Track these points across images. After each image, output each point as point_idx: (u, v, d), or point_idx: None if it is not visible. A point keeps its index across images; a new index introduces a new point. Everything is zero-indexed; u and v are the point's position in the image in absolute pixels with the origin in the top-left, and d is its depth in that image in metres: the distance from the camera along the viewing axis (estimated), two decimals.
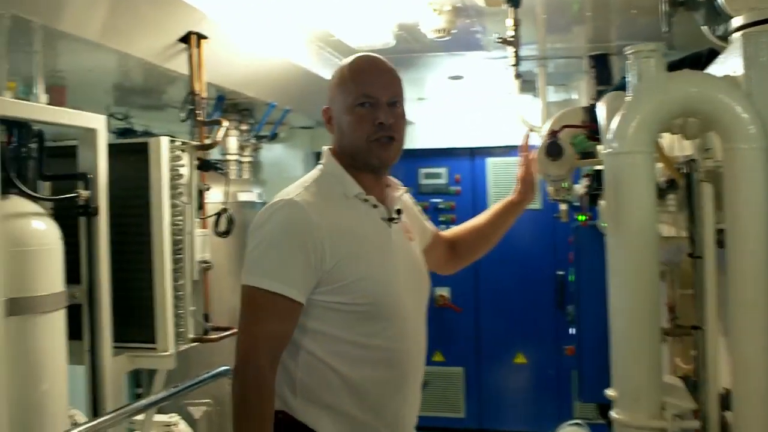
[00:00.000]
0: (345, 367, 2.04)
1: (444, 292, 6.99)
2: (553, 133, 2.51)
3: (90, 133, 3.13)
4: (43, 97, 3.18)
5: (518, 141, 6.32)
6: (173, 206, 3.40)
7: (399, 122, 2.11)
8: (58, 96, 4.73)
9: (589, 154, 2.92)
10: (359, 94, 2.08)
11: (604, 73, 4.49)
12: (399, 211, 2.18)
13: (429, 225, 2.52)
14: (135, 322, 3.39)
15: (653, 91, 1.95)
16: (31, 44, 3.20)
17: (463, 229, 2.67)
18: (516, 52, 3.44)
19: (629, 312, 2.06)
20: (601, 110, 2.17)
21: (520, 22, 3.37)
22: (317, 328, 2.04)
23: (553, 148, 2.44)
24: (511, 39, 3.38)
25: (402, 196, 2.25)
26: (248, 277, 1.99)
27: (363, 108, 2.08)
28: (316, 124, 6.59)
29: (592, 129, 2.55)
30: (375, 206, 2.12)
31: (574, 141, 2.61)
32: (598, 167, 2.98)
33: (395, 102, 2.11)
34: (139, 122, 6.04)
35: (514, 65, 3.47)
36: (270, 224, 2.03)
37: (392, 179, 2.28)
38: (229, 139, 5.08)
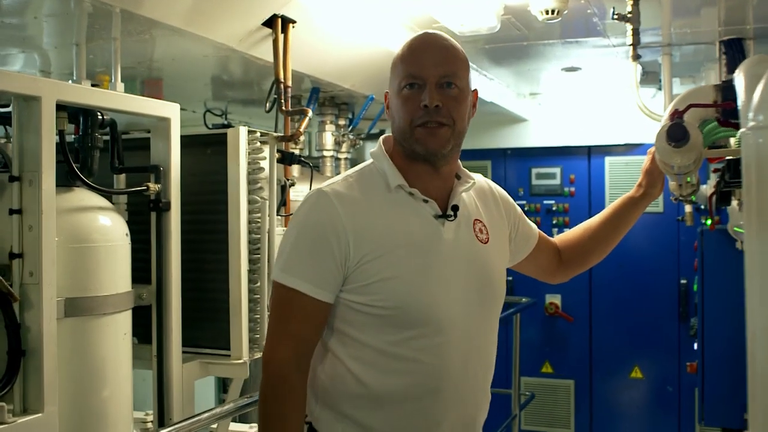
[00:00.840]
0: (368, 376, 1.85)
1: (555, 299, 6.65)
2: (676, 114, 2.05)
3: (163, 123, 2.93)
4: (120, 86, 3.00)
5: (639, 138, 5.89)
6: (251, 202, 3.16)
7: (451, 105, 1.87)
8: (153, 89, 4.64)
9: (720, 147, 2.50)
10: (405, 75, 1.88)
11: (737, 61, 3.98)
12: (455, 207, 1.93)
13: (532, 228, 2.28)
14: (208, 326, 3.18)
15: None
16: (109, 30, 3.05)
17: (575, 233, 2.41)
18: (635, 29, 3.02)
19: None
20: (739, 80, 1.75)
21: None
22: (342, 329, 1.88)
23: (676, 131, 1.96)
24: (629, 15, 2.97)
25: (470, 190, 2.02)
26: (275, 272, 1.89)
27: (410, 90, 1.87)
28: None
29: (726, 110, 2.11)
30: (425, 201, 1.90)
31: (704, 126, 2.17)
32: (731, 157, 2.52)
33: (450, 83, 1.87)
34: (238, 118, 5.95)
35: (631, 45, 3.05)
36: (298, 216, 1.91)
37: (464, 171, 2.05)
38: (325, 134, 4.89)
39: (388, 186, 1.90)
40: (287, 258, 1.86)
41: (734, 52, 4.06)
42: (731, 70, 4.04)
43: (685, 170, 2.17)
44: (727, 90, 2.18)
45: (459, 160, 2.03)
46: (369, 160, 2.00)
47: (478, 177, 2.13)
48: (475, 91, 2.00)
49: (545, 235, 2.34)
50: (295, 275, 1.82)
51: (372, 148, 2.02)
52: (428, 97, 1.83)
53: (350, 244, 1.81)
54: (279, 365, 1.81)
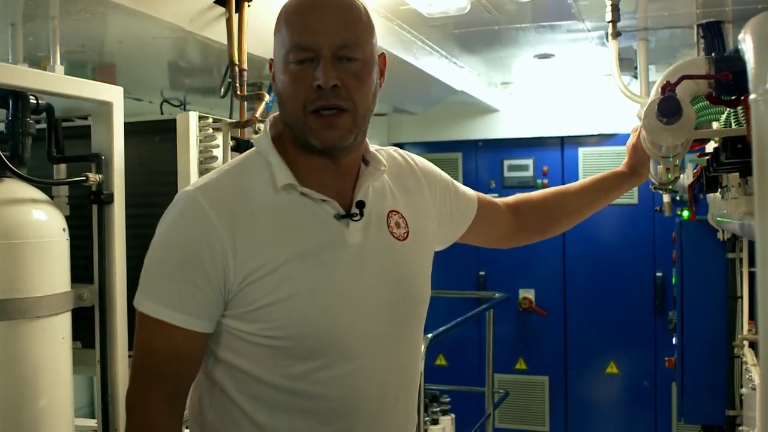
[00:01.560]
0: (263, 416, 1.54)
1: (528, 294, 6.52)
2: (668, 86, 1.85)
3: (105, 108, 2.69)
4: (59, 69, 2.76)
5: (613, 129, 5.76)
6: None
7: (352, 84, 1.51)
8: (106, 76, 4.39)
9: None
10: (293, 45, 1.51)
11: (716, 45, 3.83)
12: (361, 204, 1.61)
13: (469, 196, 1.96)
14: None
15: None
16: (47, 8, 2.81)
17: (542, 195, 2.15)
18: (614, 5, 2.84)
19: None
20: (747, 42, 1.55)
21: None
22: (229, 360, 1.55)
23: (669, 106, 1.74)
24: None
25: (382, 178, 1.69)
26: (136, 298, 1.55)
27: (299, 65, 1.51)
28: (392, 110, 6.13)
29: (720, 83, 1.92)
30: (323, 200, 1.57)
31: (697, 103, 1.98)
32: (714, 142, 2.34)
33: (349, 56, 1.51)
34: (198, 109, 5.69)
35: (611, 21, 2.86)
36: (162, 228, 1.59)
37: (373, 154, 1.69)
38: None
39: (276, 183, 1.56)
40: (150, 281, 1.54)
41: (713, 35, 3.90)
42: (709, 53, 3.88)
43: (673, 152, 1.98)
44: (720, 62, 2.00)
45: (367, 140, 1.69)
46: (253, 149, 1.67)
47: (390, 151, 1.80)
48: (383, 55, 1.64)
49: (489, 198, 2.05)
50: (160, 302, 1.50)
51: None
52: (322, 74, 1.47)
53: (229, 261, 1.49)
54: (146, 413, 1.52)
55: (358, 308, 1.56)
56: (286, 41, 1.52)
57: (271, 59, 1.61)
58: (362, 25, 1.55)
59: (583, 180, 2.22)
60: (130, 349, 2.77)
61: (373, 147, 1.74)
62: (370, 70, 1.56)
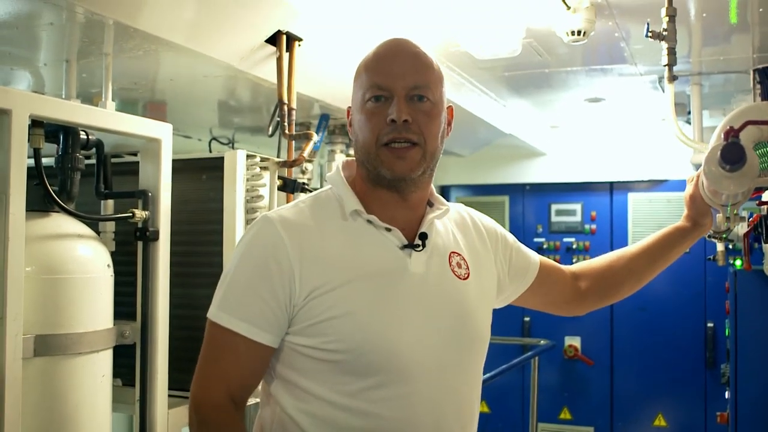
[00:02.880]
0: None
1: (575, 342, 6.38)
2: (732, 132, 1.77)
3: (153, 144, 2.69)
4: (110, 105, 2.78)
5: (663, 175, 5.66)
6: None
7: (422, 120, 1.64)
8: (157, 113, 4.44)
9: None
10: (370, 85, 1.65)
11: None
12: (424, 236, 1.69)
13: (531, 258, 2.00)
14: None
15: None
16: (101, 45, 2.84)
17: (603, 261, 2.13)
18: (670, 48, 2.77)
19: None
20: None
21: (676, 12, 2.71)
22: (288, 377, 1.62)
23: (732, 152, 1.67)
24: (665, 32, 2.73)
25: (447, 220, 1.79)
26: (210, 310, 1.65)
27: (375, 103, 1.64)
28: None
29: None
30: (388, 229, 1.66)
31: (760, 149, 1.90)
32: None
33: (421, 95, 1.64)
34: (246, 147, 5.73)
35: (667, 65, 2.80)
36: (239, 247, 1.68)
37: (438, 198, 1.81)
38: (334, 164, 4.64)
39: (344, 212, 1.67)
40: (223, 294, 1.63)
41: None
42: (766, 98, 3.80)
43: (734, 200, 1.90)
44: None
45: (432, 186, 1.79)
46: (327, 186, 1.79)
47: (457, 206, 1.90)
48: (451, 108, 1.77)
49: (553, 263, 2.08)
50: (231, 313, 1.59)
51: None
52: (396, 110, 1.61)
53: (296, 276, 1.57)
54: (215, 404, 1.58)
55: (416, 332, 1.61)
56: (365, 83, 1.66)
57: (349, 107, 1.75)
58: (434, 72, 1.69)
59: (642, 241, 2.16)
60: (170, 388, 2.74)
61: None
62: (439, 112, 1.68)
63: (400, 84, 1.62)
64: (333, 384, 1.57)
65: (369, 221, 1.66)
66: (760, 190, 2.87)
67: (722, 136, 1.83)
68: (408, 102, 1.62)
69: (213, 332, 1.63)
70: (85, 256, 2.44)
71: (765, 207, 2.66)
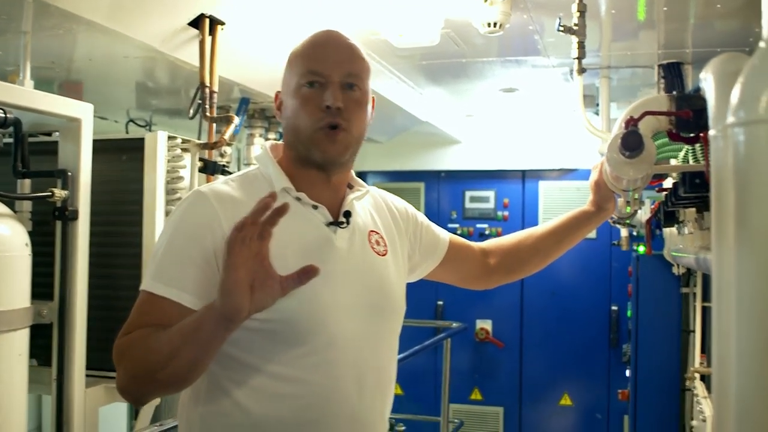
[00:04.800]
0: (251, 401, 1.62)
1: (486, 325, 6.56)
2: (631, 121, 1.92)
3: (73, 124, 2.68)
4: (28, 83, 2.75)
5: (574, 164, 5.83)
6: (169, 213, 2.93)
7: (353, 108, 1.72)
8: (72, 93, 4.36)
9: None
10: (306, 71, 1.71)
11: (675, 85, 3.94)
12: (348, 214, 1.78)
13: (440, 236, 2.11)
14: None
15: None
16: (20, 22, 2.80)
17: (512, 239, 2.25)
18: (580, 42, 2.92)
19: (761, 353, 1.13)
20: (708, 81, 1.61)
21: (586, 8, 2.85)
22: (223, 350, 1.59)
23: (631, 140, 1.82)
24: (576, 27, 2.87)
25: (365, 202, 1.89)
26: (144, 280, 1.63)
27: (310, 88, 1.70)
28: None
29: (680, 120, 1.99)
30: (315, 207, 1.74)
31: (657, 139, 2.04)
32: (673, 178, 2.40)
33: (352, 84, 1.72)
34: (163, 129, 5.67)
35: (577, 58, 2.94)
36: (171, 218, 1.71)
37: (357, 180, 1.90)
38: (253, 148, 4.66)
39: (272, 189, 1.69)
40: (158, 265, 1.63)
41: (673, 75, 4.01)
42: (669, 92, 3.98)
43: (634, 185, 2.04)
44: (681, 99, 2.07)
45: (352, 170, 1.89)
46: (254, 165, 1.85)
47: (372, 189, 1.99)
48: (373, 98, 1.85)
49: (464, 240, 2.18)
50: (167, 283, 1.59)
51: None
52: (332, 96, 1.68)
53: None
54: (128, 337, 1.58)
55: (342, 302, 1.68)
56: (300, 68, 1.71)
57: (278, 91, 1.80)
58: (365, 63, 1.77)
59: (550, 222, 2.29)
60: (88, 368, 2.74)
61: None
62: (367, 101, 1.78)
63: (336, 71, 1.69)
64: (265, 353, 1.62)
65: (298, 198, 1.72)
66: (660, 177, 3.06)
67: (623, 125, 1.97)
68: (341, 89, 1.70)
69: (145, 299, 1.62)
70: (3, 235, 2.42)
71: (664, 194, 2.82)
